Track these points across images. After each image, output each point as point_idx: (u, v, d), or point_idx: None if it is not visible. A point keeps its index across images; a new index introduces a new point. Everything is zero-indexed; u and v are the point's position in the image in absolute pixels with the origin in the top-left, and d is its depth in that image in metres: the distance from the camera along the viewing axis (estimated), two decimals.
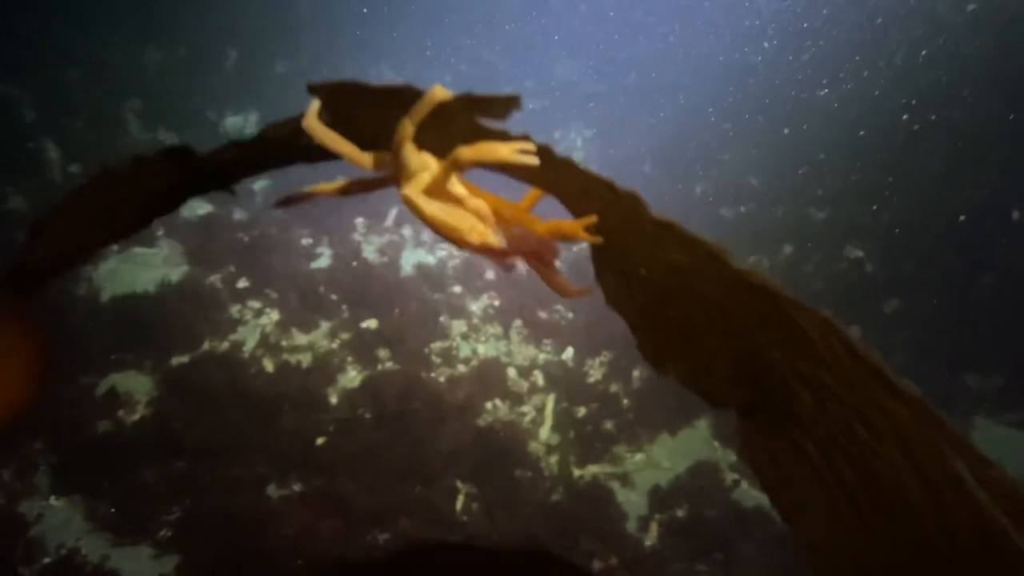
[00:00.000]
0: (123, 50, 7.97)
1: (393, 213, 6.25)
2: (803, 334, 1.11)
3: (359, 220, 6.08)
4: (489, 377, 4.91)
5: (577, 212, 1.03)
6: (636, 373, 4.88)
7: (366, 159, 1.00)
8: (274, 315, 5.04)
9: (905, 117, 5.97)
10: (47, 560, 3.04)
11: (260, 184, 6.58)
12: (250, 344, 4.82)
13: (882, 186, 5.65)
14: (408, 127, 0.94)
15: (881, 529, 1.09)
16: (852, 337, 1.10)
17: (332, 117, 1.02)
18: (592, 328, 5.21)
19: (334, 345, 4.87)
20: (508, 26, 9.88)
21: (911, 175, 5.59)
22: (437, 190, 0.97)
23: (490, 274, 5.64)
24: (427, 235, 6.14)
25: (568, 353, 5.13)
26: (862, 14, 6.69)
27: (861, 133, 6.05)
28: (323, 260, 5.60)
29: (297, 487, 3.65)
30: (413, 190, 0.94)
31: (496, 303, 5.41)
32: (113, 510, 3.23)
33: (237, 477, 3.77)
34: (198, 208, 5.94)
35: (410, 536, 3.29)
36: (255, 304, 5.09)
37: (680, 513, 4.22)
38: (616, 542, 3.83)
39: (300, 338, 4.93)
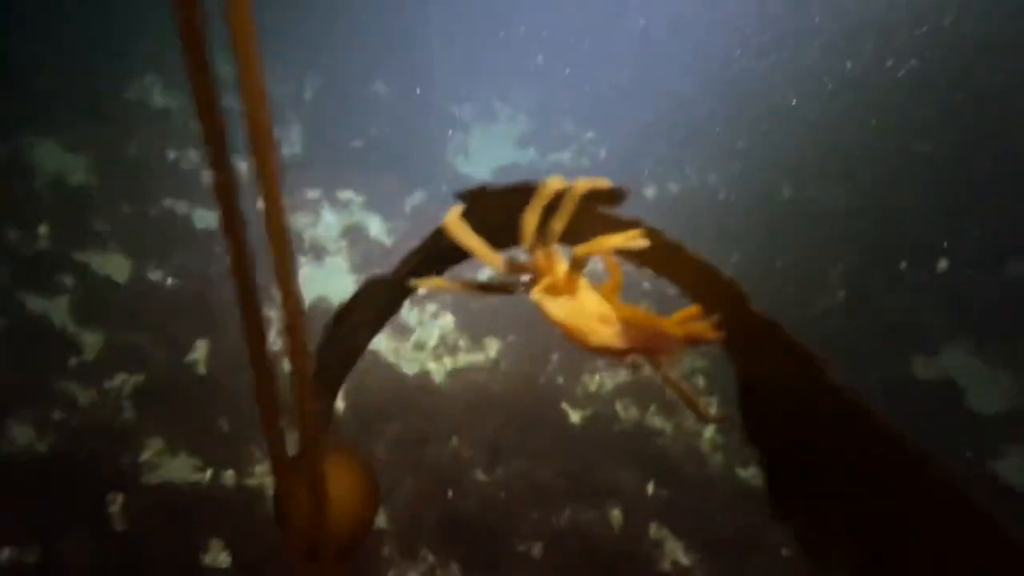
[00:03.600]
0: (286, 80, 8.72)
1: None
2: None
3: None
4: (651, 385, 5.17)
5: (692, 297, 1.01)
6: None
7: (496, 259, 1.03)
8: (448, 319, 5.47)
9: None
10: None
11: (419, 195, 7.10)
12: (431, 343, 5.27)
13: None
14: (531, 218, 0.97)
15: None
16: None
17: (469, 219, 1.06)
18: None
19: (509, 345, 5.24)
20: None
21: None
22: (562, 290, 0.99)
23: (646, 284, 5.92)
24: None
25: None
26: None
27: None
28: (487, 271, 6.01)
29: (501, 471, 4.01)
30: (539, 291, 0.98)
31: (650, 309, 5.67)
32: None
33: (441, 460, 4.17)
34: (368, 219, 6.50)
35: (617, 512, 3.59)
36: (431, 307, 5.54)
37: None
38: None
39: (473, 342, 5.33)
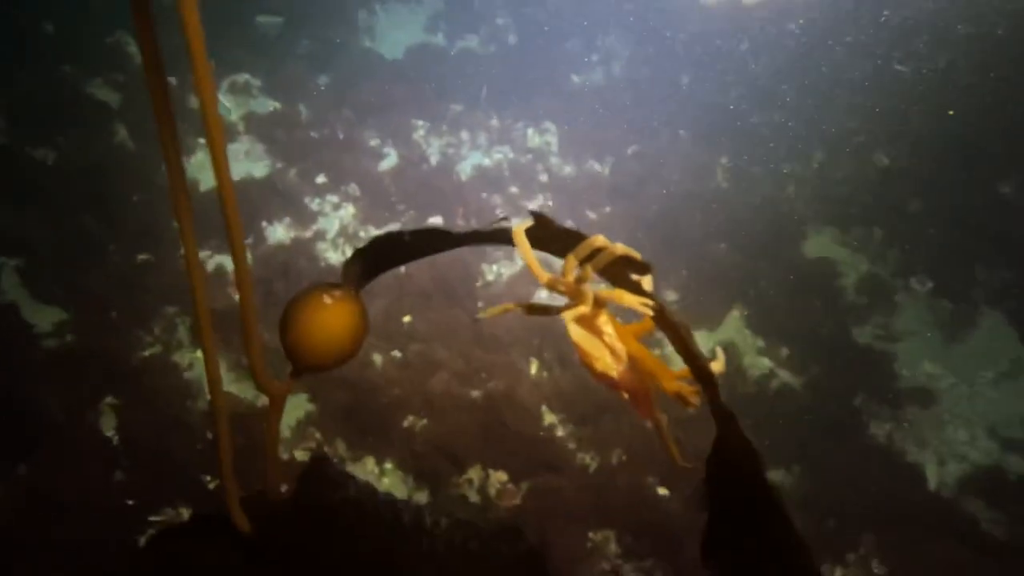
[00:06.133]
0: None
1: (448, 116, 6.64)
2: None
3: (419, 123, 6.49)
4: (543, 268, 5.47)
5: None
6: (684, 272, 5.45)
7: (544, 275, 1.20)
8: (351, 209, 5.56)
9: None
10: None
11: (323, 79, 6.93)
12: (331, 234, 5.37)
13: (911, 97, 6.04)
14: (572, 261, 1.17)
15: None
16: None
17: (530, 237, 1.26)
18: (636, 225, 5.73)
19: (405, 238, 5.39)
20: None
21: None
22: (587, 321, 1.17)
23: (544, 176, 6.11)
24: (483, 139, 6.57)
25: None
26: None
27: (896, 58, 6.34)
28: (390, 160, 6.06)
29: (397, 353, 4.27)
30: (569, 315, 1.17)
31: (550, 203, 5.91)
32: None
33: None
34: (269, 105, 6.34)
35: (501, 392, 3.93)
36: (333, 199, 5.60)
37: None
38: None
39: (374, 231, 5.46)
